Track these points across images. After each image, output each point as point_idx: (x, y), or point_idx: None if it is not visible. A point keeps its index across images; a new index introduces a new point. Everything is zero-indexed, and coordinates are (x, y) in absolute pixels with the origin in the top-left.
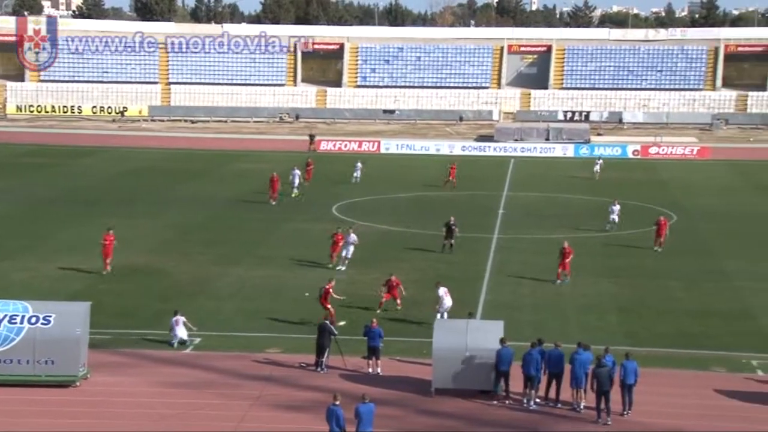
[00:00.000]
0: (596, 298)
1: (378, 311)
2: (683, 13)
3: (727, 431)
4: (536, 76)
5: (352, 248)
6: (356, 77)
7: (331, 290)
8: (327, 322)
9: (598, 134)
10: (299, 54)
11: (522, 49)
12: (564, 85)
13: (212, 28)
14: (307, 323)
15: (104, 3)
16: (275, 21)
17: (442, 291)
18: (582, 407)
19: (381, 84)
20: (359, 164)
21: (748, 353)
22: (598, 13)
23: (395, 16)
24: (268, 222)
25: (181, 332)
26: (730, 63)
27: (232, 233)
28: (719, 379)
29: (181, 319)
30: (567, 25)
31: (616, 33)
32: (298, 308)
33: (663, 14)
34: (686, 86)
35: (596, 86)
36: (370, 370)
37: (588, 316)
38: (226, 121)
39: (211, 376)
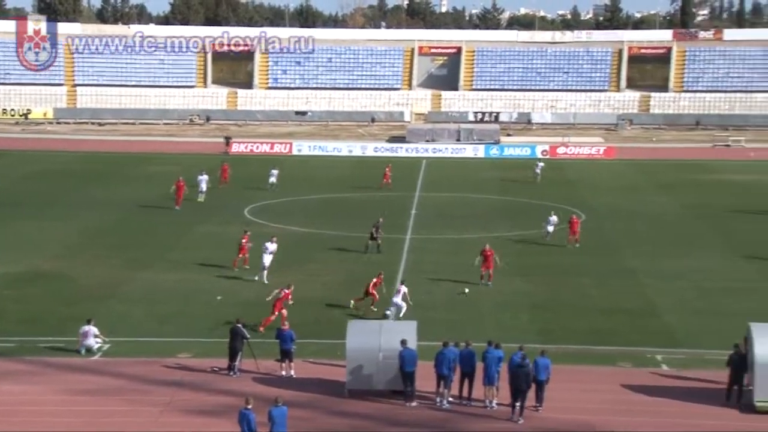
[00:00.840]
0: (510, 296)
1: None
2: (588, 16)
3: (633, 425)
4: (447, 78)
5: (270, 257)
6: (267, 79)
7: (289, 296)
8: (239, 325)
9: (508, 135)
10: (209, 55)
11: (432, 50)
12: (474, 87)
13: (120, 29)
14: (219, 327)
15: (6, 3)
16: (184, 22)
17: (404, 290)
18: (494, 405)
19: (293, 85)
20: (274, 171)
21: (653, 348)
22: (506, 15)
23: (306, 18)
24: (180, 225)
25: (91, 342)
26: (634, 65)
27: (142, 237)
28: (626, 375)
29: (93, 330)
30: (476, 27)
31: (524, 35)
32: (210, 312)
33: (569, 17)
34: (592, 87)
35: (505, 87)
36: (284, 372)
37: (502, 314)
38: (134, 124)
39: (120, 382)
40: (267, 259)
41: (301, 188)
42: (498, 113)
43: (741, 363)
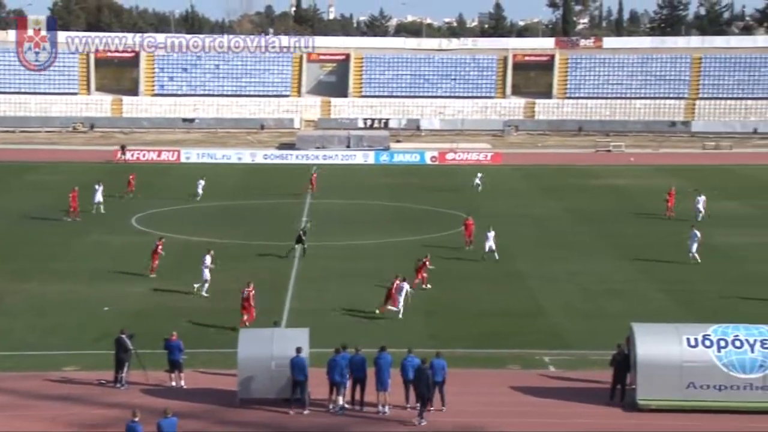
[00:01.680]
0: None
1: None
2: (474, 23)
3: (523, 426)
4: (336, 84)
5: (207, 271)
6: (153, 85)
7: (252, 292)
8: (123, 336)
9: (398, 141)
10: (92, 62)
11: (321, 57)
12: (363, 93)
13: None
14: (105, 338)
15: None
16: (65, 27)
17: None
18: (387, 410)
19: (179, 92)
20: (201, 181)
21: (541, 350)
22: (394, 22)
23: (192, 24)
24: (65, 235)
25: None
26: (519, 72)
27: (25, 248)
28: (515, 377)
29: None
30: (364, 34)
31: (412, 42)
32: (97, 323)
33: (455, 24)
34: (479, 94)
35: (394, 94)
36: (173, 383)
37: (394, 319)
38: (14, 131)
39: (3, 398)
40: (206, 273)
41: (190, 196)
42: (387, 120)
43: (623, 363)
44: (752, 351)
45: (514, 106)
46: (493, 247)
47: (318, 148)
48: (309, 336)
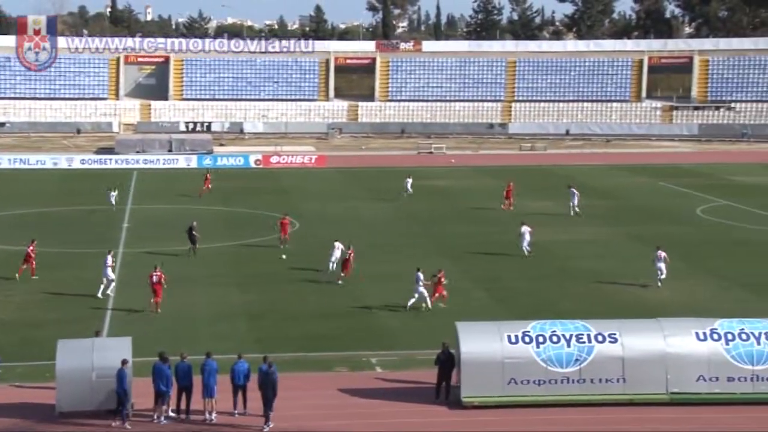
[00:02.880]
0: (227, 306)
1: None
2: (295, 26)
3: (351, 427)
4: (156, 87)
5: (109, 270)
6: None
7: (162, 277)
8: None
9: (221, 144)
10: None
11: (139, 59)
12: (184, 96)
13: None
14: None
15: None
16: None
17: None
18: (214, 417)
19: None
20: (113, 193)
21: (368, 351)
22: (214, 24)
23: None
24: None
25: None
26: (341, 75)
27: None
28: (343, 379)
29: None
30: (183, 36)
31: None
32: None
33: (276, 26)
34: (302, 97)
35: (216, 97)
36: None
37: (218, 324)
38: None
39: None
40: (110, 273)
41: (1, 204)
42: (210, 123)
43: (448, 361)
44: (569, 346)
45: (337, 109)
46: (527, 244)
47: (138, 152)
48: (131, 345)
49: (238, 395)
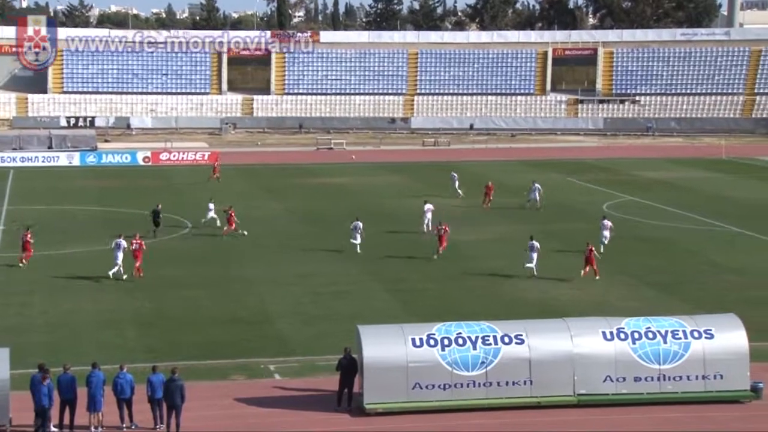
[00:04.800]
0: (113, 313)
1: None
2: (184, 15)
3: None
4: (33, 79)
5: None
6: None
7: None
8: None
9: (106, 141)
10: None
11: (14, 49)
12: (65, 89)
13: None
14: None
15: None
16: None
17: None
18: (101, 431)
19: None
20: None
21: (267, 358)
22: (96, 12)
23: None
24: None
25: None
26: (234, 66)
27: None
28: (240, 387)
29: None
30: (63, 24)
31: (117, 34)
32: None
33: (164, 15)
34: (193, 90)
35: (100, 90)
36: None
37: (104, 333)
38: None
39: None
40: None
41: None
42: (93, 118)
43: (350, 366)
44: (474, 348)
45: (231, 103)
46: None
47: (15, 149)
48: (9, 356)
49: (123, 407)
